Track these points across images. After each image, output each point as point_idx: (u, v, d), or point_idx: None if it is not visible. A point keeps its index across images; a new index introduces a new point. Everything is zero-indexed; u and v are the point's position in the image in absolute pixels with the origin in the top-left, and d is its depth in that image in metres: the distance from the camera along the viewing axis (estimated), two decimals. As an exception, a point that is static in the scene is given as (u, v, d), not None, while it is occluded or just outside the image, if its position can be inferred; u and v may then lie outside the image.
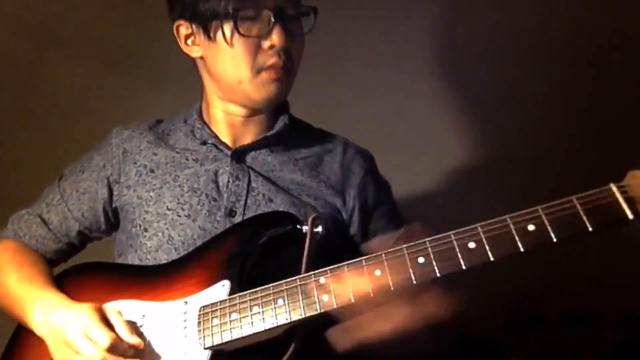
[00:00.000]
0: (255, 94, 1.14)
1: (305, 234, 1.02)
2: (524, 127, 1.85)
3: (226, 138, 1.21)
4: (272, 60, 1.11)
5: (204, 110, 1.24)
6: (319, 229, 1.03)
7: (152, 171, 1.18)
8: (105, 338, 0.94)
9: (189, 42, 1.18)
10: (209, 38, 1.13)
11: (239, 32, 1.09)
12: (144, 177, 1.18)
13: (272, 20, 1.09)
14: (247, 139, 1.20)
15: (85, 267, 1.17)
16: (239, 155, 1.18)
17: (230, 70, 1.13)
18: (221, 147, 1.19)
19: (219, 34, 1.11)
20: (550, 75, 1.83)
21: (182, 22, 1.16)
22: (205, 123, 1.22)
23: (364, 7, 1.84)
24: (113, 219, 1.23)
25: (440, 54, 1.89)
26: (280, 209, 1.12)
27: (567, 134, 1.83)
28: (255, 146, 1.20)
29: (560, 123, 1.83)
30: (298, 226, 1.04)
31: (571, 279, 1.78)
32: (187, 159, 1.19)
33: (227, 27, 1.10)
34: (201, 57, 1.18)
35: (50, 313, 1.04)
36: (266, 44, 1.10)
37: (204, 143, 1.20)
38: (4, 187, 1.27)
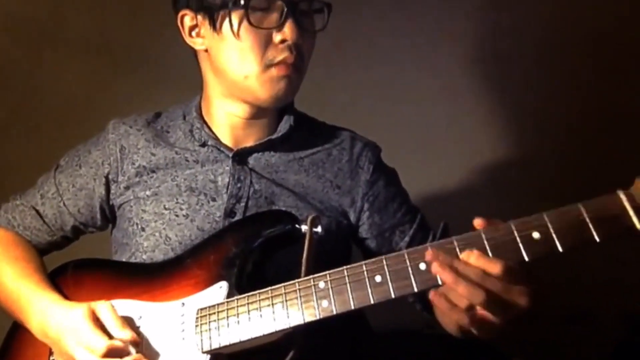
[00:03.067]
0: (262, 90, 1.09)
1: (304, 234, 1.02)
2: (538, 126, 1.86)
3: (227, 140, 1.17)
4: (283, 55, 1.06)
5: (204, 108, 1.21)
6: (319, 229, 1.02)
7: (152, 171, 1.16)
8: (100, 344, 0.94)
9: (193, 33, 1.13)
10: (215, 29, 1.08)
11: (249, 22, 1.04)
12: (144, 178, 1.16)
13: (285, 12, 1.04)
14: (250, 141, 1.17)
15: (82, 264, 1.17)
16: (240, 156, 1.16)
17: (237, 64, 1.08)
18: (222, 148, 1.16)
19: (226, 25, 1.06)
20: (561, 73, 1.84)
21: (187, 11, 1.11)
22: (204, 122, 1.18)
23: (382, 9, 1.84)
24: (110, 215, 1.22)
25: (457, 55, 1.90)
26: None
27: (582, 132, 1.83)
28: (258, 148, 1.17)
29: (577, 122, 1.83)
30: (297, 226, 1.03)
31: (571, 278, 1.79)
32: (187, 160, 1.17)
33: (236, 17, 1.05)
34: (205, 50, 1.13)
35: (47, 318, 1.03)
36: (277, 38, 1.05)
37: (204, 145, 1.17)
38: (3, 188, 1.28)
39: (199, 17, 1.10)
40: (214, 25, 1.07)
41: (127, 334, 0.96)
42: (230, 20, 1.06)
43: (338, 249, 1.17)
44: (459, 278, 0.81)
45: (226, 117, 1.17)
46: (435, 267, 0.83)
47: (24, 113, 1.86)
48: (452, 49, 1.89)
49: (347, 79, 1.78)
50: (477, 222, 0.86)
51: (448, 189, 1.88)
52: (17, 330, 1.13)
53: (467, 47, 1.88)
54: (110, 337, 0.96)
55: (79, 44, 1.85)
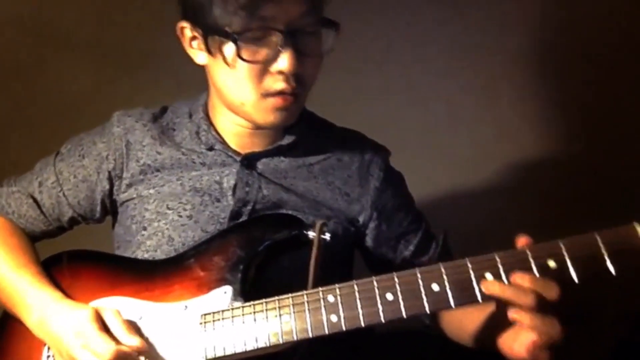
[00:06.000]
0: (259, 118, 1.10)
1: (311, 240, 1.05)
2: (542, 128, 1.90)
3: (234, 144, 1.19)
4: (280, 86, 1.05)
5: (211, 109, 1.21)
6: (327, 235, 1.05)
7: (157, 170, 1.18)
8: (106, 348, 0.96)
9: (194, 44, 1.11)
10: (209, 52, 1.07)
11: (240, 57, 1.01)
12: (148, 176, 1.18)
13: (282, 43, 1.00)
14: (258, 146, 1.18)
15: (78, 255, 1.18)
16: (249, 161, 1.17)
17: (232, 90, 1.08)
18: (230, 153, 1.18)
19: (219, 51, 1.05)
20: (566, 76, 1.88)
21: (186, 24, 1.09)
22: (211, 124, 1.20)
23: (379, 7, 1.84)
24: (110, 209, 1.24)
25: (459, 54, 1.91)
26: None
27: (593, 137, 1.88)
28: (267, 154, 1.19)
29: (588, 127, 1.88)
30: (304, 231, 1.06)
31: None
32: (193, 162, 1.18)
33: (229, 47, 1.03)
34: (205, 65, 1.12)
35: (47, 315, 1.05)
36: (274, 67, 1.03)
37: (211, 149, 1.19)
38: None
39: (198, 30, 1.08)
40: (208, 49, 1.06)
41: (135, 341, 0.97)
42: (222, 49, 1.04)
43: (342, 255, 1.21)
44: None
45: (232, 125, 1.18)
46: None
47: (26, 112, 1.88)
48: (460, 49, 1.91)
49: (355, 80, 1.81)
50: (522, 240, 0.89)
51: (454, 191, 1.92)
52: (8, 322, 1.15)
53: (477, 47, 1.91)
54: (116, 342, 0.98)
55: (80, 44, 1.86)
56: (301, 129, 1.20)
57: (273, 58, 1.02)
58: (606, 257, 0.84)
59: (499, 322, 0.92)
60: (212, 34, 1.04)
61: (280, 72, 1.03)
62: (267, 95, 1.06)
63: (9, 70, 1.85)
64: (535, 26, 1.88)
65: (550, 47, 1.88)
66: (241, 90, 1.07)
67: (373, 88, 1.88)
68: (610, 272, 0.84)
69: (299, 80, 1.06)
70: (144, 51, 1.85)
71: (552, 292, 0.84)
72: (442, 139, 1.90)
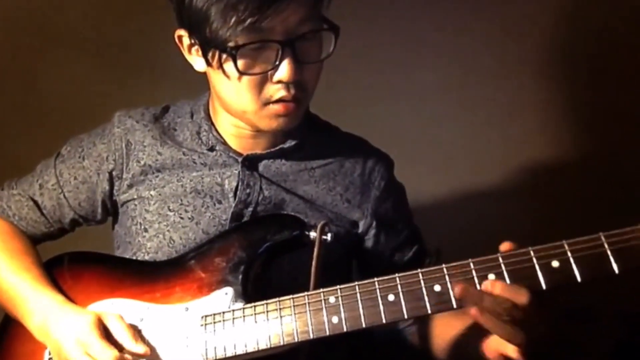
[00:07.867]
0: (261, 124, 1.09)
1: (313, 240, 1.04)
2: (548, 133, 1.90)
3: (235, 145, 1.18)
4: (280, 94, 1.03)
5: (212, 109, 1.20)
6: (328, 236, 1.04)
7: (157, 171, 1.17)
8: (107, 357, 0.96)
9: (193, 51, 1.09)
10: (208, 64, 1.05)
11: (239, 71, 1.00)
12: (149, 177, 1.17)
13: (280, 54, 0.99)
14: (259, 148, 1.17)
15: (79, 257, 1.18)
16: (250, 162, 1.17)
17: (233, 100, 1.07)
18: (231, 153, 1.17)
19: (218, 64, 1.03)
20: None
21: (183, 32, 1.07)
22: (212, 124, 1.19)
23: (387, 10, 1.84)
24: (111, 210, 1.23)
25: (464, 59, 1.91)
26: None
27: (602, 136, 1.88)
28: (268, 155, 1.18)
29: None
30: (306, 232, 1.05)
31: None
32: (194, 162, 1.17)
33: (227, 61, 1.01)
34: (205, 72, 1.11)
35: (49, 320, 1.04)
36: (274, 77, 1.02)
37: (211, 149, 1.18)
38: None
39: (195, 39, 1.06)
40: (207, 62, 1.04)
41: (140, 348, 0.98)
42: (221, 62, 1.02)
43: (345, 256, 1.20)
44: (484, 312, 0.85)
45: (233, 127, 1.16)
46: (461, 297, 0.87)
47: (25, 113, 1.88)
48: (468, 53, 1.91)
49: (359, 82, 1.80)
50: (504, 246, 0.88)
51: (457, 194, 1.92)
52: (11, 324, 1.14)
53: (486, 52, 1.91)
54: (117, 348, 0.98)
55: (79, 44, 1.86)
56: (304, 132, 1.18)
57: (272, 67, 1.01)
58: (610, 256, 0.83)
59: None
60: (211, 47, 1.01)
61: (280, 81, 1.02)
62: (268, 103, 1.05)
63: (8, 70, 1.85)
64: (545, 30, 1.88)
65: (559, 51, 1.88)
66: (242, 100, 1.06)
67: (378, 90, 1.88)
68: (614, 273, 0.83)
69: (299, 86, 1.05)
70: (145, 51, 1.85)
71: (522, 297, 0.84)
72: (450, 142, 1.91)
